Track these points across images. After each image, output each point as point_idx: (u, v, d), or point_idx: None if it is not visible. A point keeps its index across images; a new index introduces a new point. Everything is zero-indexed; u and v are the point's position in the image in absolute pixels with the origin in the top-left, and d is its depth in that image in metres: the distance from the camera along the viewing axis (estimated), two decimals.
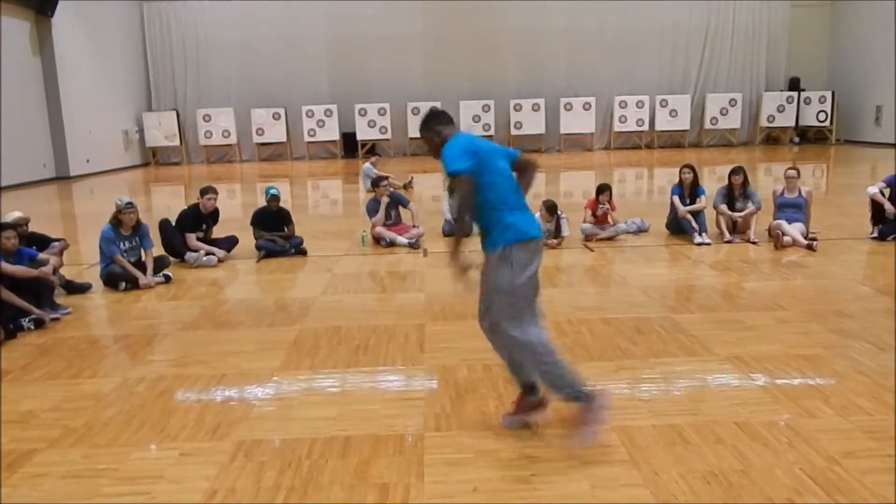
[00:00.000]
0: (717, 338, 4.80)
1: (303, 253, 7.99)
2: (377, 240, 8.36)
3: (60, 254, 6.83)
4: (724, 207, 8.26)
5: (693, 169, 8.53)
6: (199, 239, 7.75)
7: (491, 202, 3.29)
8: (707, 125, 23.78)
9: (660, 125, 23.68)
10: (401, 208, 8.72)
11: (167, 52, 23.71)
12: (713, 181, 12.25)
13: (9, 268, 5.66)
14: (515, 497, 2.92)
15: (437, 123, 3.43)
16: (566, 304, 5.74)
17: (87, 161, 19.68)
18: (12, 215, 6.55)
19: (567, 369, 3.26)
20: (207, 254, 7.59)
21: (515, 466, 3.15)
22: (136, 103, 23.36)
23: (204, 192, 7.95)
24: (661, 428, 3.48)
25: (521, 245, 3.26)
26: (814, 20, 24.24)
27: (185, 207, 8.11)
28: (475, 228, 3.36)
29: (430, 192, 13.52)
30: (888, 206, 7.89)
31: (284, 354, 4.70)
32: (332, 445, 3.39)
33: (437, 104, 22.92)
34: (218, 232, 8.11)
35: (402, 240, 8.24)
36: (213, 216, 8.06)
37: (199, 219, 7.86)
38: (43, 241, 6.85)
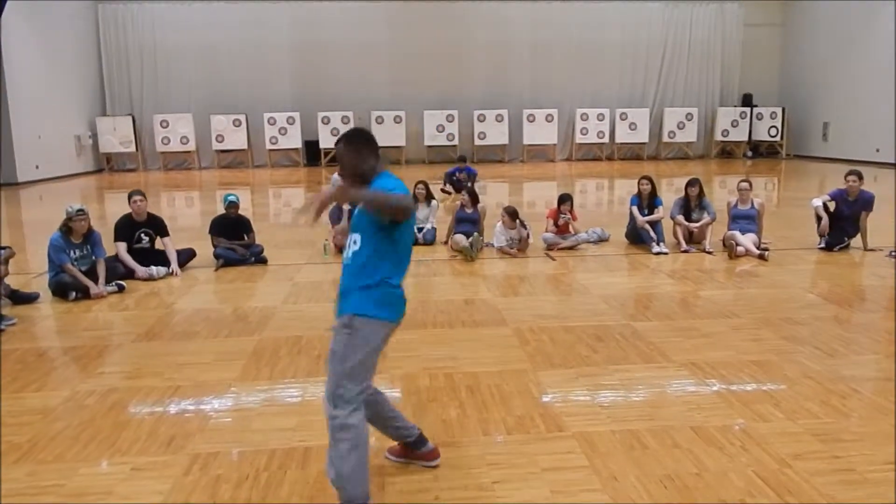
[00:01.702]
0: (674, 345, 4.89)
1: (263, 261, 7.87)
2: (340, 248, 8.28)
3: (6, 262, 6.57)
4: (680, 218, 8.45)
5: (651, 180, 8.67)
6: (144, 251, 7.36)
7: (393, 264, 2.84)
8: (665, 138, 24.31)
9: (620, 138, 24.12)
10: None
11: (123, 56, 23.15)
12: (671, 193, 12.49)
13: None
14: None
15: (372, 152, 2.88)
16: (528, 312, 5.78)
17: (37, 167, 19.07)
18: None
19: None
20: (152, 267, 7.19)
21: (477, 474, 3.14)
22: (90, 107, 22.74)
23: (130, 196, 7.40)
24: (619, 433, 3.52)
25: (393, 326, 2.91)
26: (766, 40, 25.01)
27: (120, 217, 7.49)
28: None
29: None
30: (824, 220, 8.23)
31: (243, 365, 4.61)
32: (292, 456, 3.33)
33: (402, 113, 22.97)
34: (174, 242, 7.73)
35: None
36: (152, 225, 7.48)
37: (133, 228, 7.34)
38: None
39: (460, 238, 8.12)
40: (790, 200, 13.64)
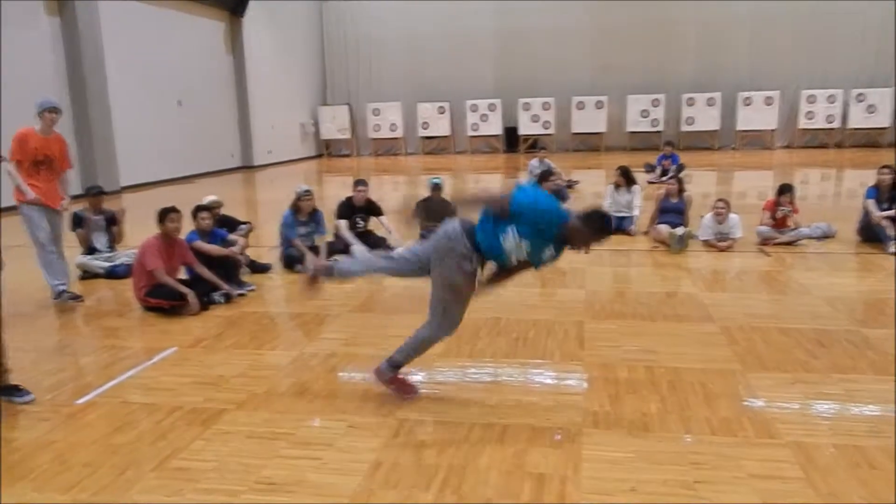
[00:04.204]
0: None
1: None
2: None
3: (247, 236, 7.43)
4: None
5: (894, 170, 7.65)
6: (358, 232, 7.86)
7: None
8: None
9: (854, 122, 21.33)
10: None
11: (342, 48, 25.09)
12: None
13: (204, 246, 6.27)
14: (676, 501, 2.83)
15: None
16: (738, 309, 5.42)
17: (269, 152, 21.43)
18: (208, 199, 7.18)
19: None
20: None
21: (677, 471, 3.04)
22: (313, 98, 24.98)
23: (355, 183, 8.09)
24: (842, 448, 3.21)
25: None
26: None
27: (342, 199, 8.18)
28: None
29: (591, 188, 13.26)
30: None
31: (445, 342, 4.81)
32: (490, 431, 3.45)
33: (604, 98, 22.45)
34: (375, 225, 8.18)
35: None
36: (368, 209, 8.08)
37: (351, 211, 7.97)
38: (232, 224, 7.46)
39: (663, 228, 7.80)
40: None
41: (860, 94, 21.18)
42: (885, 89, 21.07)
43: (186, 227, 6.27)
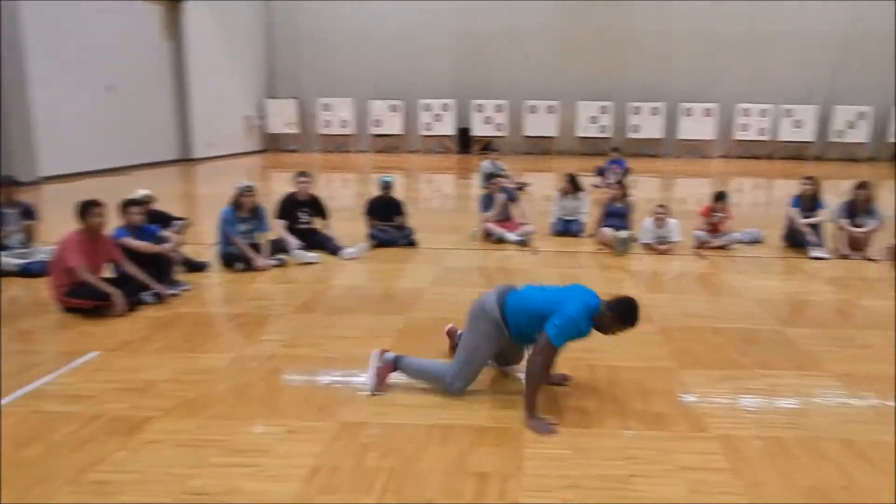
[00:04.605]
0: (828, 354, 4.63)
1: (412, 244, 8.10)
2: (487, 234, 8.41)
3: (181, 232, 7.11)
4: (845, 222, 7.83)
5: (815, 181, 8.13)
6: (302, 229, 7.70)
7: None
8: (832, 138, 22.35)
9: (783, 135, 22.53)
10: (509, 204, 8.74)
11: (291, 41, 24.50)
12: (834, 196, 11.52)
13: (133, 243, 5.88)
14: (613, 496, 2.91)
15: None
16: (675, 310, 5.62)
17: (210, 145, 20.65)
18: (139, 193, 6.88)
19: None
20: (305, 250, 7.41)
21: (614, 465, 3.14)
22: (259, 90, 24.36)
23: (297, 175, 7.83)
24: (764, 440, 3.41)
25: None
26: None
27: (284, 195, 7.90)
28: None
29: (541, 191, 13.42)
30: None
31: (391, 341, 4.75)
32: (434, 433, 3.44)
33: (556, 103, 22.84)
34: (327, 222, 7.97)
35: (511, 236, 8.26)
36: (313, 205, 7.87)
37: (294, 205, 7.75)
38: (165, 219, 7.17)
39: (607, 231, 7.99)
40: None
41: (789, 110, 22.31)
42: (810, 106, 22.35)
43: (114, 222, 5.96)
